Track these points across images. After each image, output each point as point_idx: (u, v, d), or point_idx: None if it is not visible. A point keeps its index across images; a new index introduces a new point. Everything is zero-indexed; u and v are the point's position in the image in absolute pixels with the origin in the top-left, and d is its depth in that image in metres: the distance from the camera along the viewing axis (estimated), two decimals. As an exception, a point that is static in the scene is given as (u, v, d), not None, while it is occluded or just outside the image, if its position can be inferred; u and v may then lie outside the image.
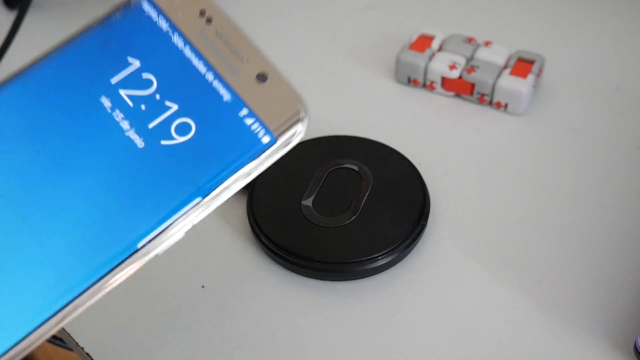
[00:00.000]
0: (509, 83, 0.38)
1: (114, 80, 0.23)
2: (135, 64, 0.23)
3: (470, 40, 0.41)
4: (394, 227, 0.32)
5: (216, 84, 0.23)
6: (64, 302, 0.20)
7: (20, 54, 0.45)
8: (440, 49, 0.42)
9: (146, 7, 0.24)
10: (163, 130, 0.22)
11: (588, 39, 0.45)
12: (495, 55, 0.40)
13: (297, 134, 0.22)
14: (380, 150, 0.36)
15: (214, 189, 0.22)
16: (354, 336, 0.30)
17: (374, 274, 0.31)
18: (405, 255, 0.32)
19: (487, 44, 0.41)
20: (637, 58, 0.43)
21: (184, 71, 0.23)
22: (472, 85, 0.40)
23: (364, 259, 0.31)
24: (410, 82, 0.41)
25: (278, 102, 0.23)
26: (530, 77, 0.39)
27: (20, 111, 0.22)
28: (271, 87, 0.23)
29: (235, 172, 0.22)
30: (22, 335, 0.20)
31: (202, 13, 0.24)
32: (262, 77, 0.23)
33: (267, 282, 0.32)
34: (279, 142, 0.22)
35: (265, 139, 0.22)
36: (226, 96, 0.23)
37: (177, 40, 0.24)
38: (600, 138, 0.38)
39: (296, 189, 0.28)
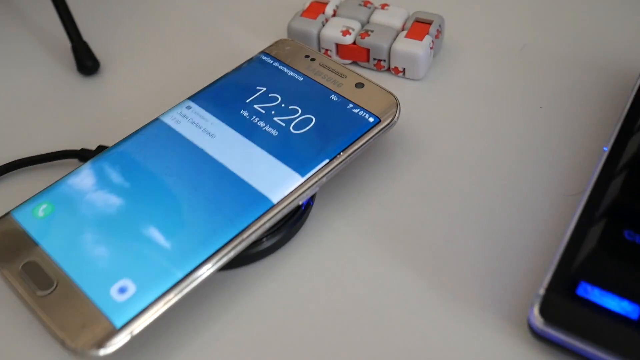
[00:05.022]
0: (404, 46, 0.37)
1: (248, 100, 0.35)
2: (263, 89, 0.36)
3: (366, 3, 0.40)
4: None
5: (326, 92, 0.35)
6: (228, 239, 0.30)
7: None
8: (334, 14, 0.40)
9: (264, 57, 0.38)
10: (290, 123, 0.34)
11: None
12: (391, 17, 0.39)
13: (397, 117, 0.34)
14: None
15: (339, 154, 0.32)
16: (239, 323, 0.30)
17: (260, 259, 0.32)
18: (291, 237, 0.33)
19: (383, 6, 0.40)
20: (542, 14, 0.42)
21: (300, 89, 0.36)
22: (368, 51, 0.38)
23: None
24: (303, 51, 0.39)
25: (376, 99, 0.35)
26: (427, 39, 0.37)
27: (200, 114, 0.35)
28: (368, 91, 0.35)
29: (352, 142, 0.33)
30: (206, 256, 0.29)
31: (307, 56, 0.38)
32: (359, 85, 0.36)
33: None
34: (384, 122, 0.34)
35: (371, 120, 0.34)
36: (334, 98, 0.35)
37: (291, 72, 0.37)
38: (504, 100, 0.39)
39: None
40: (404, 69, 0.40)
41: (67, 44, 0.44)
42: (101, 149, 0.36)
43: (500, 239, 0.32)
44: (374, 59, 0.40)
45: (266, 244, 0.32)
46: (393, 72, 0.40)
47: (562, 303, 0.26)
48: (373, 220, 0.34)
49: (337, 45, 0.40)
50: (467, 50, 0.42)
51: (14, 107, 0.41)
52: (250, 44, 0.44)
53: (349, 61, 0.41)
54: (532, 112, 0.38)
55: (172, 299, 0.28)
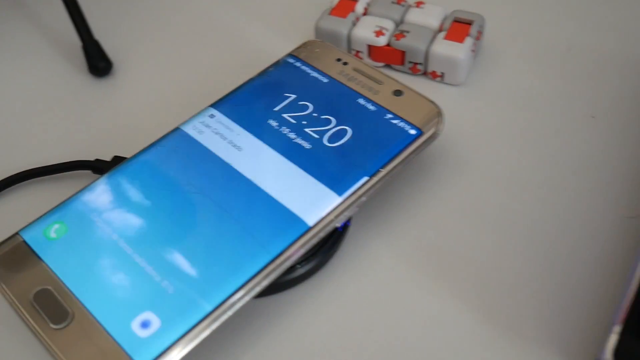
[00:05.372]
0: (443, 49, 0.34)
1: (277, 108, 0.33)
2: (292, 96, 0.33)
3: (399, 1, 0.37)
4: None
5: (361, 100, 0.33)
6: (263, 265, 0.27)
7: None
8: (365, 12, 0.37)
9: (292, 61, 0.35)
10: (324, 134, 0.31)
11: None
12: (427, 17, 0.36)
13: (440, 129, 0.31)
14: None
15: (379, 170, 0.30)
16: (270, 356, 0.28)
17: (292, 287, 0.30)
18: (326, 262, 0.31)
19: (418, 4, 0.37)
20: (589, 12, 0.39)
21: (333, 97, 0.33)
22: (403, 53, 0.35)
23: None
24: (333, 52, 0.37)
25: (416, 108, 0.32)
26: (469, 41, 0.34)
27: (224, 123, 0.32)
28: (408, 99, 0.32)
29: (393, 156, 0.30)
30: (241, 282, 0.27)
31: (338, 60, 0.35)
32: (398, 93, 0.33)
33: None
34: (426, 134, 0.31)
35: (412, 132, 0.31)
36: (371, 107, 0.32)
37: (322, 77, 0.34)
38: (552, 108, 0.37)
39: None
40: (443, 74, 0.37)
41: (77, 43, 0.41)
42: (117, 160, 0.33)
43: (556, 265, 0.30)
44: (410, 62, 0.37)
45: (300, 270, 0.29)
46: (430, 77, 0.37)
47: (638, 346, 0.24)
48: (414, 243, 0.31)
49: (369, 46, 0.37)
50: (509, 52, 0.39)
51: (19, 110, 0.38)
52: (274, 45, 0.41)
53: (382, 64, 0.38)
54: (583, 122, 0.35)
55: (199, 334, 0.25)
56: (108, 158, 0.35)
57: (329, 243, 0.30)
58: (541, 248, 0.30)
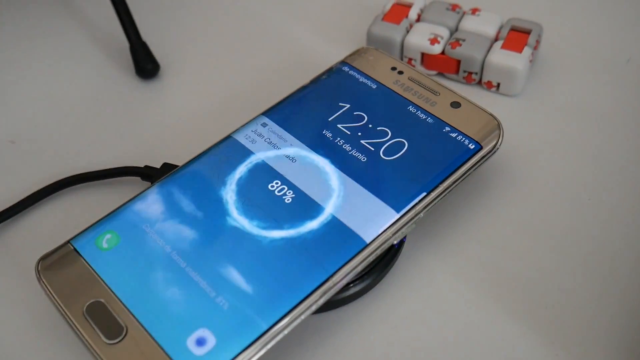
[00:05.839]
0: (501, 59, 0.33)
1: (331, 118, 0.32)
2: (346, 106, 0.32)
3: (454, 7, 0.36)
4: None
5: (418, 112, 0.32)
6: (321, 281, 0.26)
7: None
8: (418, 19, 0.36)
9: (345, 68, 0.34)
10: (380, 147, 0.30)
11: (592, 3, 0.39)
12: (484, 24, 0.36)
13: (499, 142, 0.30)
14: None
15: (437, 187, 0.29)
16: None
17: (345, 304, 0.29)
18: (380, 280, 0.30)
19: (474, 11, 0.36)
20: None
21: (388, 108, 0.32)
22: (458, 62, 0.35)
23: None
24: (385, 60, 0.36)
25: (474, 121, 0.31)
26: (527, 51, 0.34)
27: (277, 133, 0.32)
28: (466, 112, 0.31)
29: (452, 171, 0.29)
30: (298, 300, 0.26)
31: (393, 68, 0.34)
32: (456, 105, 0.32)
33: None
34: (485, 148, 0.30)
35: (471, 146, 0.30)
36: (428, 120, 0.31)
37: (377, 87, 0.33)
38: (611, 121, 0.36)
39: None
40: (498, 84, 0.36)
41: (124, 44, 0.41)
42: (167, 167, 0.33)
43: (619, 286, 0.29)
44: (464, 71, 0.36)
45: (353, 289, 0.29)
46: (484, 87, 0.36)
47: None
48: (471, 261, 0.30)
49: (423, 54, 0.37)
50: (565, 61, 0.38)
51: (65, 112, 0.38)
52: (324, 50, 0.40)
53: (434, 72, 0.37)
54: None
55: (255, 354, 0.25)
56: (155, 163, 0.34)
57: (384, 260, 0.29)
58: (604, 269, 0.30)
